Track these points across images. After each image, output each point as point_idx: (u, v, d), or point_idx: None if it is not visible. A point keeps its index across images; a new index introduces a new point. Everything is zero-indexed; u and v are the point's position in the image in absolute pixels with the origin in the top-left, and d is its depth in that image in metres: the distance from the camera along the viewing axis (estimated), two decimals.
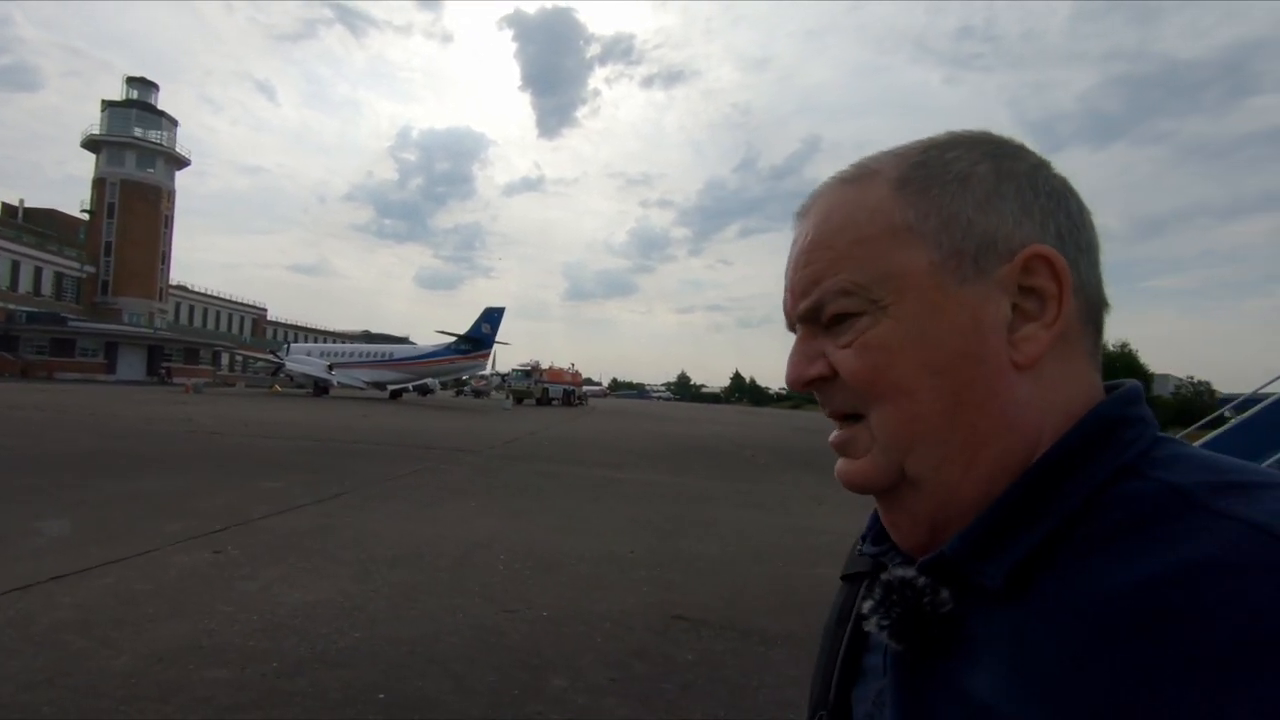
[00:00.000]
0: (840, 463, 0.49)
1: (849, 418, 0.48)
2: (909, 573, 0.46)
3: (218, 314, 73.15)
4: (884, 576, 0.47)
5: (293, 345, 44.87)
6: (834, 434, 0.49)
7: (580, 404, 50.41)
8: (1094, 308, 0.47)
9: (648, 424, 28.60)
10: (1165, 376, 62.77)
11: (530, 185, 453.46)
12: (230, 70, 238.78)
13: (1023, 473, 0.43)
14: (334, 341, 65.81)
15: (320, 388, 37.96)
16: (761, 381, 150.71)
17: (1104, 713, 0.34)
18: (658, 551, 5.82)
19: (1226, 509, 0.35)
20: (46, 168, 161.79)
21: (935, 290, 0.45)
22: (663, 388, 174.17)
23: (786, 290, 0.51)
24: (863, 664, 0.53)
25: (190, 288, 68.78)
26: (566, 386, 50.14)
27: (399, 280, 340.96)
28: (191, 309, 68.99)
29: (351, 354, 41.47)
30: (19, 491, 6.66)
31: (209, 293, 71.90)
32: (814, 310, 0.48)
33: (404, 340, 73.17)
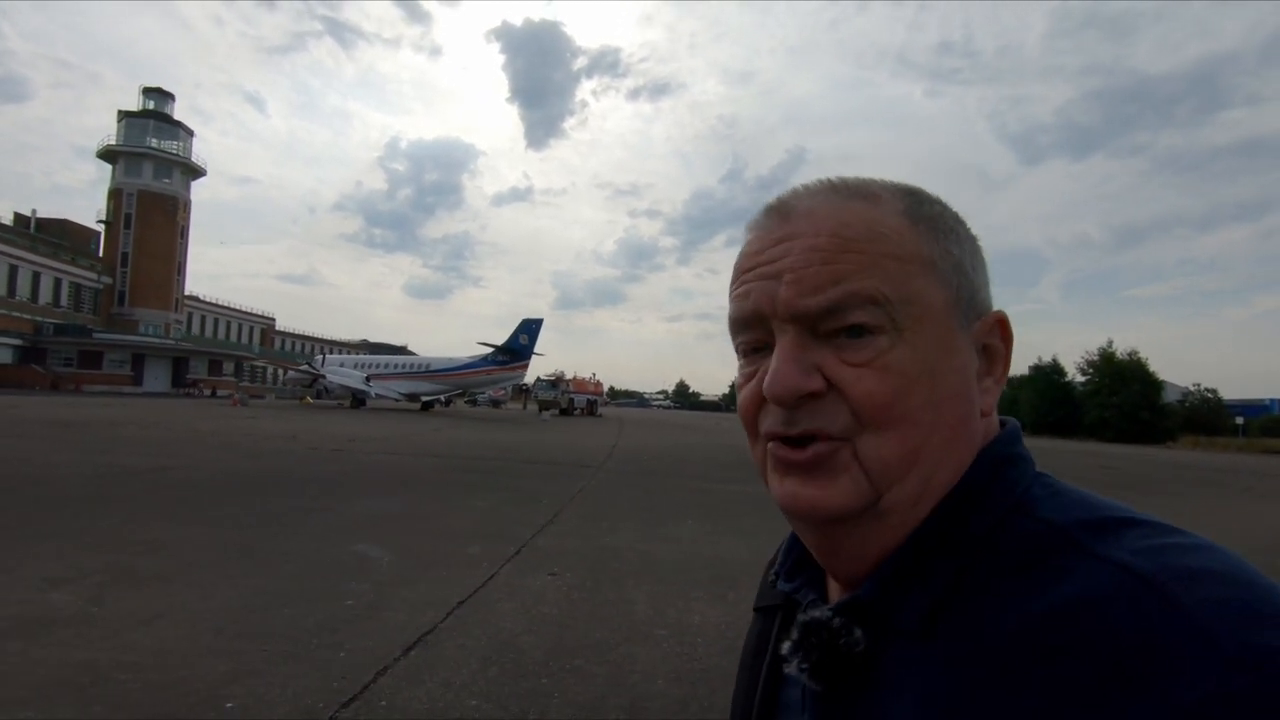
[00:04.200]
0: (799, 484, 0.46)
1: (815, 437, 0.45)
2: (825, 614, 0.47)
3: (228, 324, 72.78)
4: (801, 618, 0.48)
5: (327, 357, 44.89)
6: (796, 451, 0.46)
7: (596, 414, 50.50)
8: None
9: (694, 436, 28.78)
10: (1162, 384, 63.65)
11: (519, 195, 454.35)
12: (220, 82, 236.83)
13: (926, 518, 0.46)
14: (341, 351, 65.68)
15: (358, 400, 37.99)
16: None
17: None
18: None
19: (1097, 550, 0.40)
20: (34, 178, 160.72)
21: (945, 329, 0.47)
22: (660, 396, 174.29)
23: (772, 279, 0.47)
24: (780, 698, 0.54)
25: (201, 298, 68.44)
26: (590, 396, 50.30)
27: (388, 290, 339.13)
28: (203, 319, 68.62)
29: (387, 365, 41.56)
30: (272, 517, 6.83)
31: (219, 303, 71.57)
32: (830, 310, 0.45)
33: (403, 349, 72.84)
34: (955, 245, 0.49)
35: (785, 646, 0.48)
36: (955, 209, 0.53)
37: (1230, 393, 65.83)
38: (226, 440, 14.65)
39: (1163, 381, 56.21)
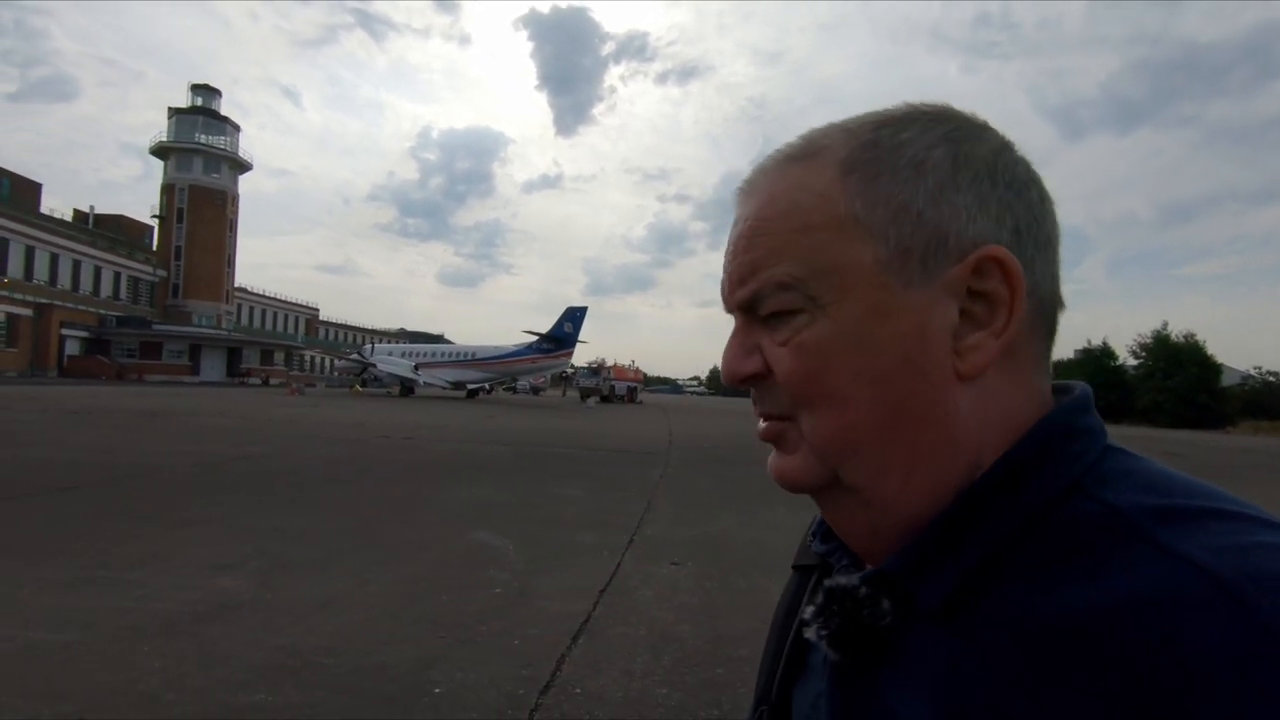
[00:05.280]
0: (773, 456, 0.47)
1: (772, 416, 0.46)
2: (852, 581, 0.44)
3: (275, 314, 74.61)
4: (827, 583, 0.45)
5: (376, 346, 45.95)
6: (763, 425, 0.47)
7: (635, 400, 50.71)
8: (1048, 309, 0.44)
9: (745, 422, 28.73)
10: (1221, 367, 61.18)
11: (549, 182, 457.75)
12: (256, 77, 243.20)
13: (962, 490, 0.41)
14: (382, 340, 66.98)
15: (406, 388, 38.81)
16: None
17: None
18: None
19: (1166, 542, 0.34)
20: (84, 175, 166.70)
21: (880, 290, 0.42)
22: (694, 382, 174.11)
23: (724, 273, 0.48)
24: (808, 660, 0.52)
25: (249, 289, 70.27)
26: (630, 383, 50.59)
27: (422, 278, 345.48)
28: (251, 310, 70.47)
29: (435, 354, 42.39)
30: (380, 504, 7.03)
31: (266, 294, 73.43)
32: (751, 301, 0.45)
33: (440, 338, 74.03)
34: (904, 184, 0.42)
35: (808, 611, 0.45)
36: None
37: None
38: (299, 429, 15.11)
39: (1221, 365, 54.22)
